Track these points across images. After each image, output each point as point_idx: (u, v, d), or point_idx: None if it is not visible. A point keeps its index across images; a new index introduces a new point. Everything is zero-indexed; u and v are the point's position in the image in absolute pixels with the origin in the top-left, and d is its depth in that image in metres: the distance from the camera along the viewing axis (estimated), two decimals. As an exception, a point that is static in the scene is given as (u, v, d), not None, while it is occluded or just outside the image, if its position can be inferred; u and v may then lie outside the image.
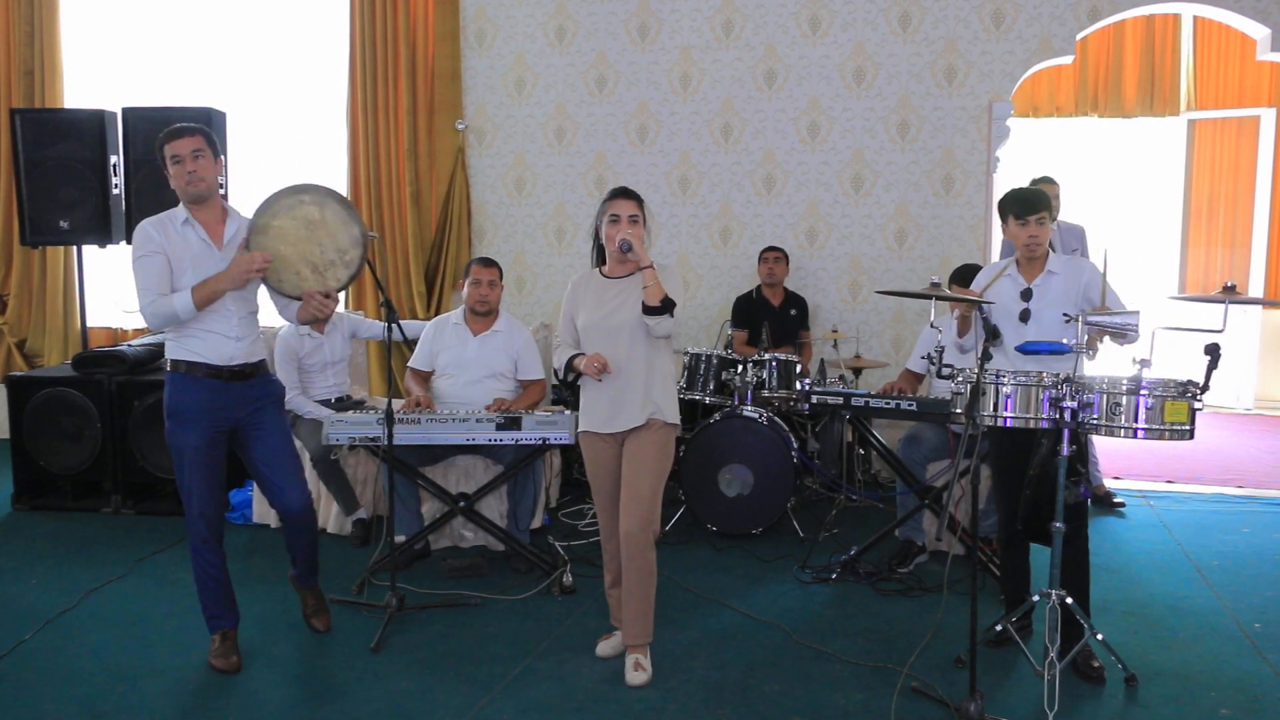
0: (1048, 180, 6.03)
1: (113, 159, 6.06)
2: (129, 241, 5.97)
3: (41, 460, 5.91)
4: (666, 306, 3.68)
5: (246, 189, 6.41)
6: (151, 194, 5.93)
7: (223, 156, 3.89)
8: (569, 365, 3.89)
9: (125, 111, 5.99)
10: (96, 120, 6.04)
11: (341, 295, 4.03)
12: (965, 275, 5.00)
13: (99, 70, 7.58)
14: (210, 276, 3.68)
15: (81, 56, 7.56)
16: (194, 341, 3.73)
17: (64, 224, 6.06)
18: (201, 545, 3.82)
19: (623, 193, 3.86)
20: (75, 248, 6.45)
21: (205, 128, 3.74)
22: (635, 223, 3.81)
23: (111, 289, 7.27)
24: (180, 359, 3.75)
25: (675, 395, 3.91)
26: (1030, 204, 3.95)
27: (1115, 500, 6.12)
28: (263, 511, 5.54)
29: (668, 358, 3.89)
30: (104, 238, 6.10)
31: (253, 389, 3.84)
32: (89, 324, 6.54)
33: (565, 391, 3.88)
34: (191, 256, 3.70)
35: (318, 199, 3.76)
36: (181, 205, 3.76)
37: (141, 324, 7.37)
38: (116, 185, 6.08)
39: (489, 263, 5.25)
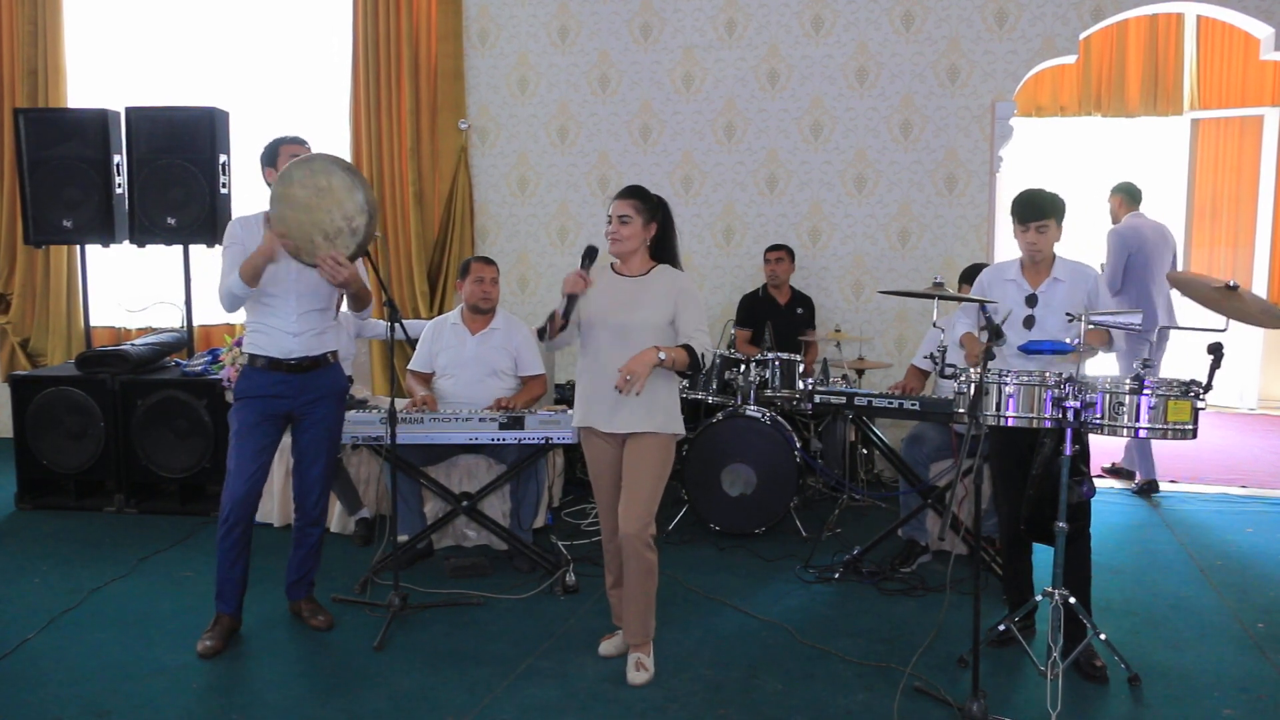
0: None
1: (116, 158, 6.07)
2: (132, 241, 6.06)
3: (45, 459, 5.91)
4: (695, 366, 3.69)
5: (250, 189, 6.41)
6: (154, 193, 5.95)
7: None
8: (550, 317, 3.77)
9: (129, 111, 6.00)
10: (100, 120, 6.05)
11: None
12: (972, 275, 4.99)
13: (103, 70, 7.58)
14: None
15: (85, 56, 7.56)
16: (259, 336, 4.05)
17: (67, 223, 6.08)
18: (221, 523, 4.02)
19: (620, 193, 3.80)
20: (79, 247, 6.47)
21: (308, 144, 4.13)
22: (625, 223, 3.74)
23: (115, 288, 7.28)
24: (248, 351, 4.08)
25: (678, 401, 3.89)
26: (1033, 209, 3.90)
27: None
28: (266, 509, 5.54)
29: None
30: (107, 237, 6.11)
31: (311, 380, 4.09)
32: (92, 323, 6.54)
33: (548, 339, 3.83)
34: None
35: (325, 167, 3.80)
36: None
37: (144, 324, 7.39)
38: (120, 185, 6.09)
39: (489, 261, 5.26)
